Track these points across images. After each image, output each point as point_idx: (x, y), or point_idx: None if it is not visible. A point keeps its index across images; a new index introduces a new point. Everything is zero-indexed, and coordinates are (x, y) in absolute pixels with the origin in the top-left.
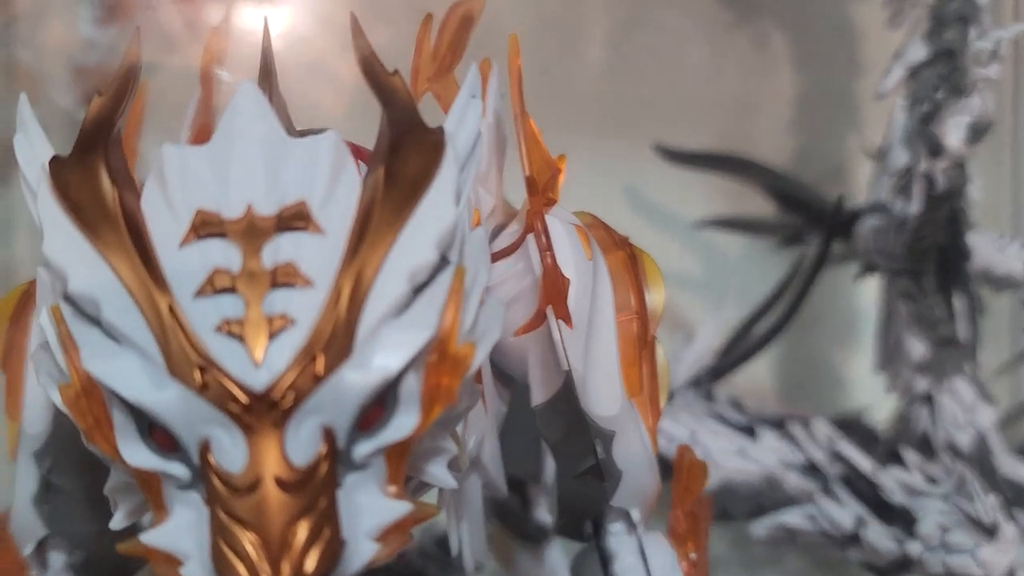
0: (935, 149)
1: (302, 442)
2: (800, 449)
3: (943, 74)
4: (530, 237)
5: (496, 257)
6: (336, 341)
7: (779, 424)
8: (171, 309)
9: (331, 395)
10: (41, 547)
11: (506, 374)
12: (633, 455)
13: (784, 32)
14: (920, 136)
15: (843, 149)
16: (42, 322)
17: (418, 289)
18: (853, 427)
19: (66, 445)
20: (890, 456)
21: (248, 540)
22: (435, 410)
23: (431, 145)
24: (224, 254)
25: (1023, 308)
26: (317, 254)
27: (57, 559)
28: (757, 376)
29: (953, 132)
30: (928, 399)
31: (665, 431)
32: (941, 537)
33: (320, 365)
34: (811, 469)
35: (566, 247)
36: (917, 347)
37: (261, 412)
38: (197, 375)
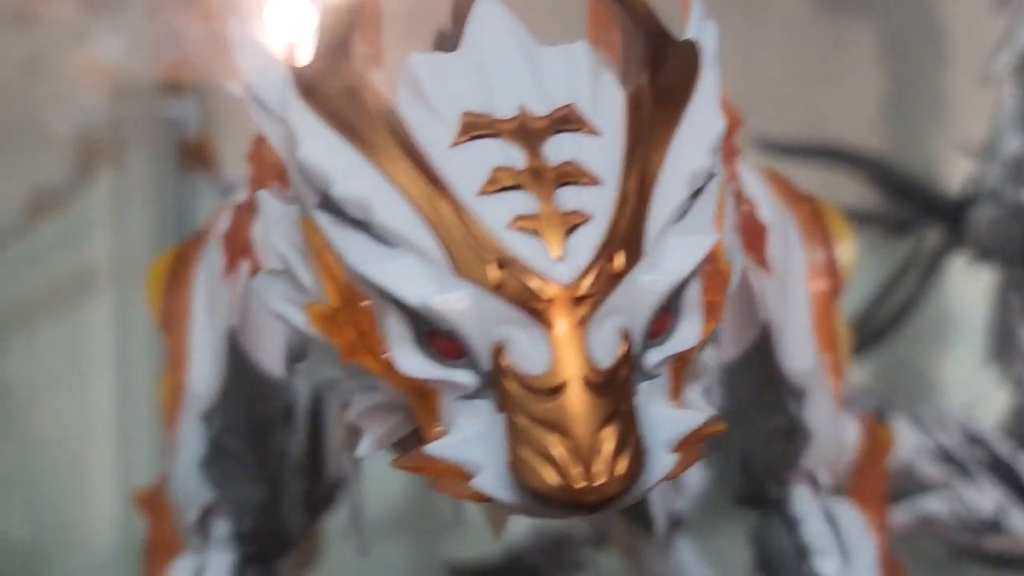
0: None
1: (603, 343)
2: (930, 435)
3: None
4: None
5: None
6: (631, 239)
7: (910, 410)
8: (455, 207)
9: (627, 295)
10: (204, 515)
11: None
12: (823, 414)
13: (871, 26)
14: None
15: (932, 144)
16: (274, 244)
17: (694, 195)
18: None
19: (240, 404)
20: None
21: (554, 444)
22: (710, 325)
23: (688, 54)
24: (503, 153)
25: None
26: (598, 153)
27: (221, 527)
28: (858, 373)
29: None
30: None
31: None
32: None
33: (619, 262)
34: (944, 455)
35: (762, 196)
36: None
37: (565, 308)
38: (493, 272)
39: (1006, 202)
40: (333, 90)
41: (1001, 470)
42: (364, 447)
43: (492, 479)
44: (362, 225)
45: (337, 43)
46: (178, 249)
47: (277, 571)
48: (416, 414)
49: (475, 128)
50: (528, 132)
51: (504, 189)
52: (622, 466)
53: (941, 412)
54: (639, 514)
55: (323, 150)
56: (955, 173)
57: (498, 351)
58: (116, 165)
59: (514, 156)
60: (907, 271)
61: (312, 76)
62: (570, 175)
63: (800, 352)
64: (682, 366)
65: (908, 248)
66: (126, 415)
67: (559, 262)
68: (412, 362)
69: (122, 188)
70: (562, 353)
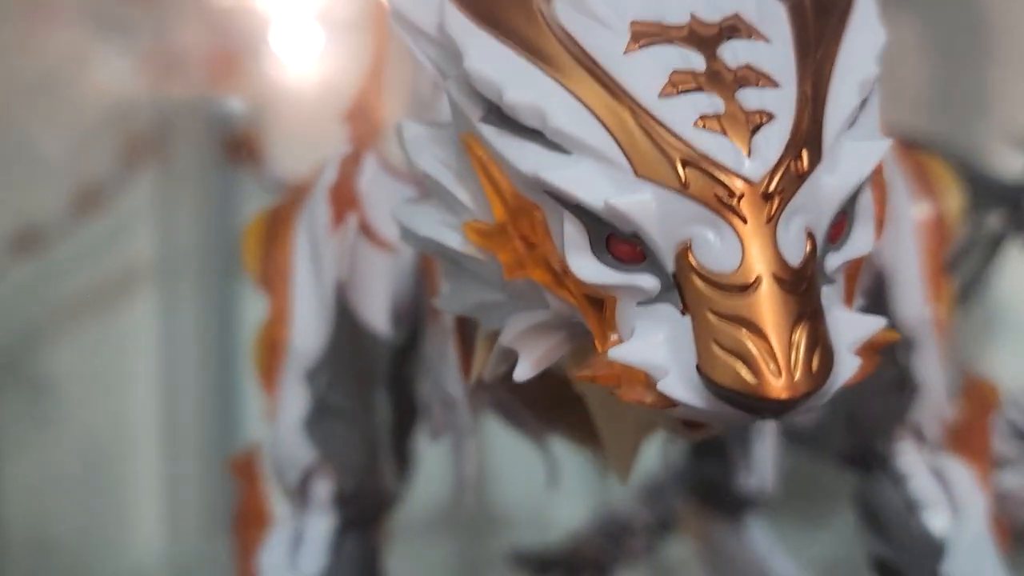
0: None
1: (792, 240)
2: (1002, 412)
3: None
4: None
5: None
6: (812, 141)
7: None
8: (634, 111)
9: (812, 195)
10: (305, 477)
11: None
12: (932, 367)
13: (917, 20)
14: None
15: (977, 137)
16: (422, 168)
17: (862, 104)
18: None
19: (344, 360)
20: None
21: (749, 340)
22: (879, 234)
23: None
24: (681, 57)
25: None
26: (772, 58)
27: (323, 489)
28: None
29: None
30: None
31: None
32: None
33: (805, 161)
34: (1016, 431)
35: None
36: None
37: (755, 205)
38: (680, 170)
39: None
40: (494, 3)
41: None
42: (522, 370)
43: (680, 382)
44: (535, 134)
45: None
46: (275, 207)
47: (376, 541)
48: (591, 324)
49: (647, 36)
50: (701, 38)
51: (685, 92)
52: (815, 365)
53: (1010, 390)
54: (712, 495)
55: (492, 59)
56: (1002, 166)
57: (684, 251)
58: (162, 161)
59: (692, 59)
60: (967, 255)
61: None
62: (748, 78)
63: (911, 301)
64: (854, 273)
65: (968, 232)
66: (171, 413)
67: (748, 159)
68: (591, 269)
69: (167, 185)
70: (753, 249)
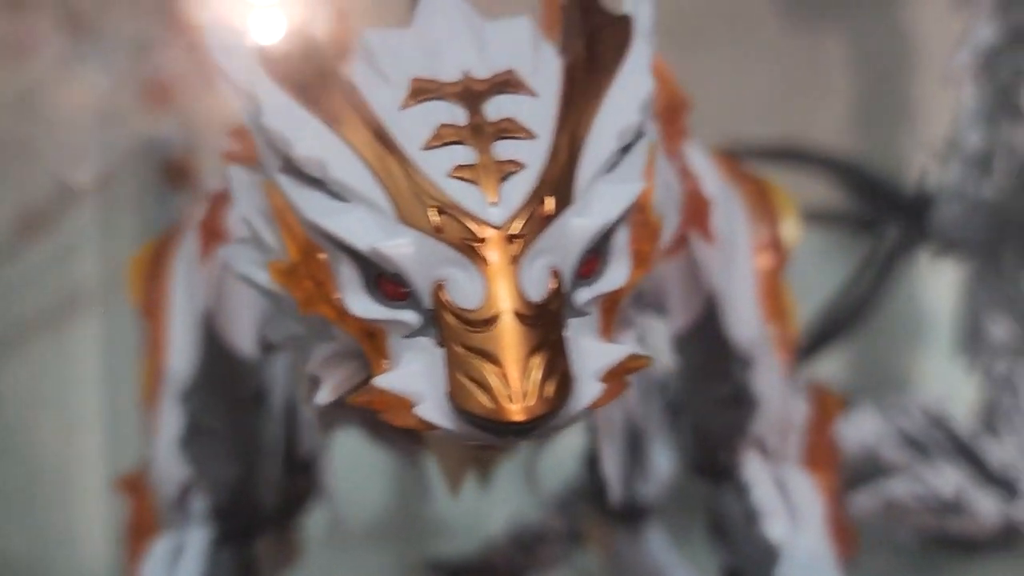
0: (1016, 118)
1: (535, 278)
2: (891, 420)
3: (1009, 43)
4: (663, 166)
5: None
6: (561, 187)
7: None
8: (400, 162)
9: (558, 236)
10: (182, 492)
11: (647, 304)
12: (770, 382)
13: (843, 32)
14: (1000, 108)
15: (902, 145)
16: (242, 212)
17: (623, 150)
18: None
19: (216, 383)
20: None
21: (488, 370)
22: (638, 271)
23: (622, 24)
24: (448, 112)
25: None
26: (534, 111)
27: (199, 504)
28: (833, 370)
29: None
30: (1010, 381)
31: None
32: None
33: (549, 205)
34: (908, 440)
35: (707, 171)
36: (997, 329)
37: (499, 247)
38: (433, 217)
39: (969, 198)
40: (294, 63)
41: (962, 452)
42: (322, 395)
43: (433, 407)
44: (319, 183)
45: (302, 22)
46: (158, 240)
47: (252, 553)
48: (367, 354)
49: (423, 92)
50: (471, 94)
51: (447, 144)
52: (550, 390)
53: (902, 398)
54: (611, 508)
55: (284, 116)
56: (922, 176)
57: (438, 289)
58: (103, 186)
59: (457, 114)
60: (868, 268)
61: (276, 52)
62: (507, 130)
63: (745, 322)
64: (611, 306)
65: (870, 245)
66: (114, 431)
67: (493, 206)
68: (362, 305)
69: (109, 209)
70: (495, 288)
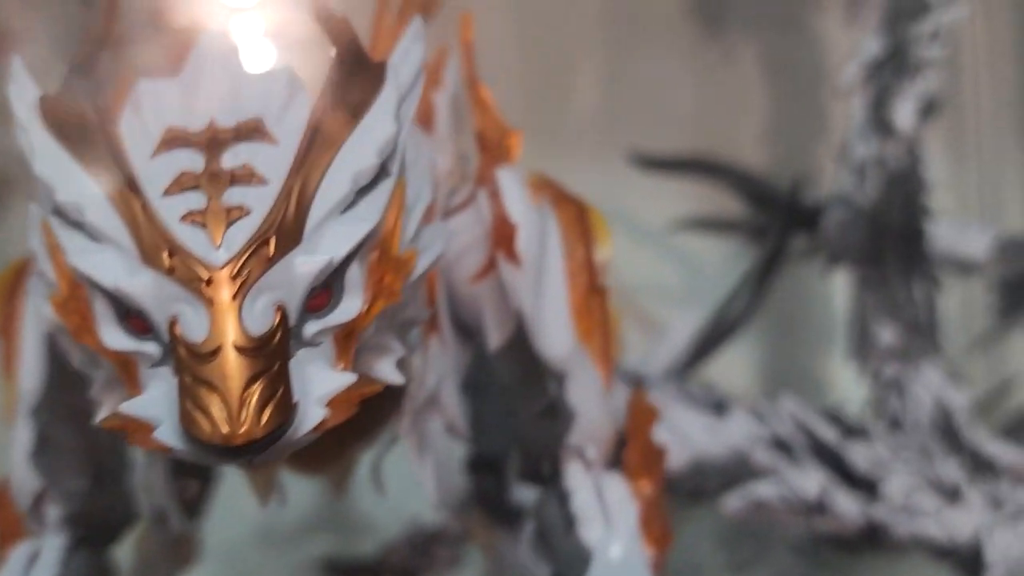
0: (886, 132)
1: (257, 315)
2: (766, 424)
3: (890, 57)
4: (482, 193)
5: (451, 212)
6: (287, 229)
7: (748, 402)
8: (143, 208)
9: (282, 275)
10: (38, 502)
11: (467, 327)
12: (586, 396)
13: (753, 41)
14: (871, 123)
15: (813, 153)
16: (34, 248)
17: (361, 191)
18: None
19: (62, 399)
20: (860, 434)
21: (211, 399)
22: (378, 303)
23: (374, 73)
24: (190, 160)
25: (988, 291)
26: (271, 158)
27: (53, 512)
28: (739, 375)
29: (902, 113)
30: (898, 384)
31: None
32: (905, 500)
33: (272, 247)
34: (778, 443)
35: (515, 196)
36: (885, 334)
37: (221, 287)
38: (165, 259)
39: (854, 206)
40: (67, 112)
41: (825, 454)
42: (101, 415)
43: (169, 431)
44: (79, 225)
45: (80, 70)
46: (19, 261)
47: (107, 558)
48: (124, 381)
49: (173, 141)
50: (214, 142)
51: (184, 190)
52: (267, 417)
53: (776, 401)
54: (491, 507)
55: (51, 163)
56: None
57: (173, 324)
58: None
59: (197, 162)
60: (755, 275)
61: (54, 100)
62: (241, 177)
63: (558, 339)
64: (347, 336)
65: (765, 252)
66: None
67: (218, 249)
68: (113, 337)
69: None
70: (218, 323)
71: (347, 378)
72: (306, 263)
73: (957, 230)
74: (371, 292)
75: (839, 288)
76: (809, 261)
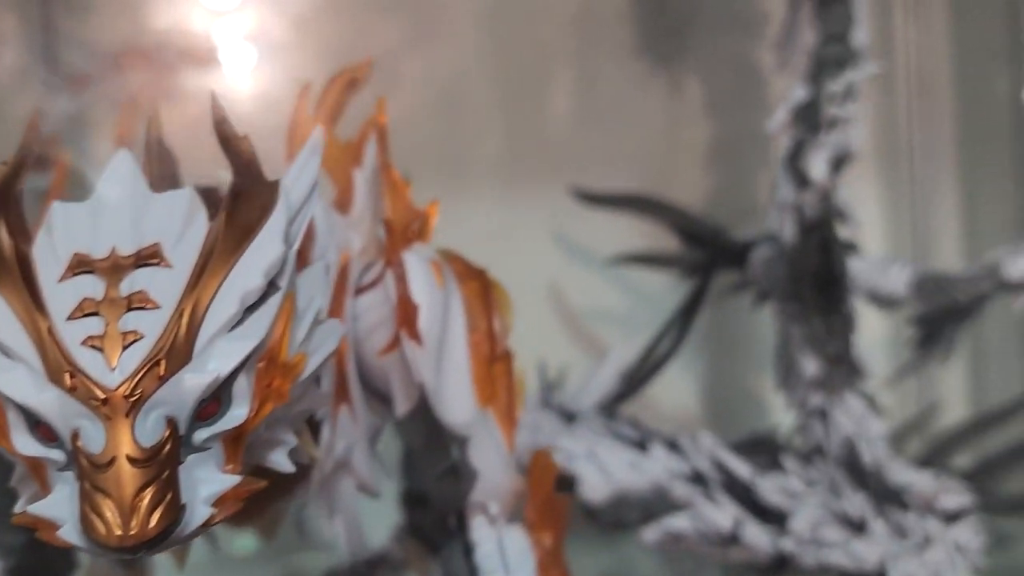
0: (802, 182)
1: (148, 429)
2: (687, 460)
3: (809, 108)
4: (390, 274)
5: (362, 289)
6: (177, 350)
7: (670, 438)
8: (49, 330)
9: (172, 392)
10: None
11: (380, 393)
12: (487, 457)
13: (697, 78)
14: (789, 171)
15: (755, 188)
16: None
17: (249, 308)
18: (766, 444)
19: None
20: (775, 468)
21: (106, 505)
22: (266, 407)
23: (266, 195)
24: (92, 286)
25: (907, 325)
26: (165, 284)
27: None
28: (684, 402)
29: (816, 166)
30: (822, 413)
31: (565, 448)
32: (812, 533)
33: (162, 369)
34: (696, 478)
35: (419, 278)
36: (809, 366)
37: (116, 405)
38: (67, 379)
39: (776, 245)
40: None
41: (738, 489)
42: (20, 505)
43: (71, 531)
44: None
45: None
46: None
47: None
48: (36, 482)
49: (79, 266)
50: (116, 268)
51: (86, 315)
52: (155, 520)
53: (696, 438)
54: (427, 541)
55: None
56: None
57: (75, 437)
58: None
59: (99, 289)
60: (682, 311)
61: None
62: (137, 303)
63: (458, 408)
64: (236, 439)
65: (691, 290)
66: None
67: (113, 371)
68: (25, 444)
69: None
70: (113, 437)
71: (232, 480)
72: (194, 379)
73: (880, 268)
74: (259, 398)
75: (769, 321)
76: (745, 294)
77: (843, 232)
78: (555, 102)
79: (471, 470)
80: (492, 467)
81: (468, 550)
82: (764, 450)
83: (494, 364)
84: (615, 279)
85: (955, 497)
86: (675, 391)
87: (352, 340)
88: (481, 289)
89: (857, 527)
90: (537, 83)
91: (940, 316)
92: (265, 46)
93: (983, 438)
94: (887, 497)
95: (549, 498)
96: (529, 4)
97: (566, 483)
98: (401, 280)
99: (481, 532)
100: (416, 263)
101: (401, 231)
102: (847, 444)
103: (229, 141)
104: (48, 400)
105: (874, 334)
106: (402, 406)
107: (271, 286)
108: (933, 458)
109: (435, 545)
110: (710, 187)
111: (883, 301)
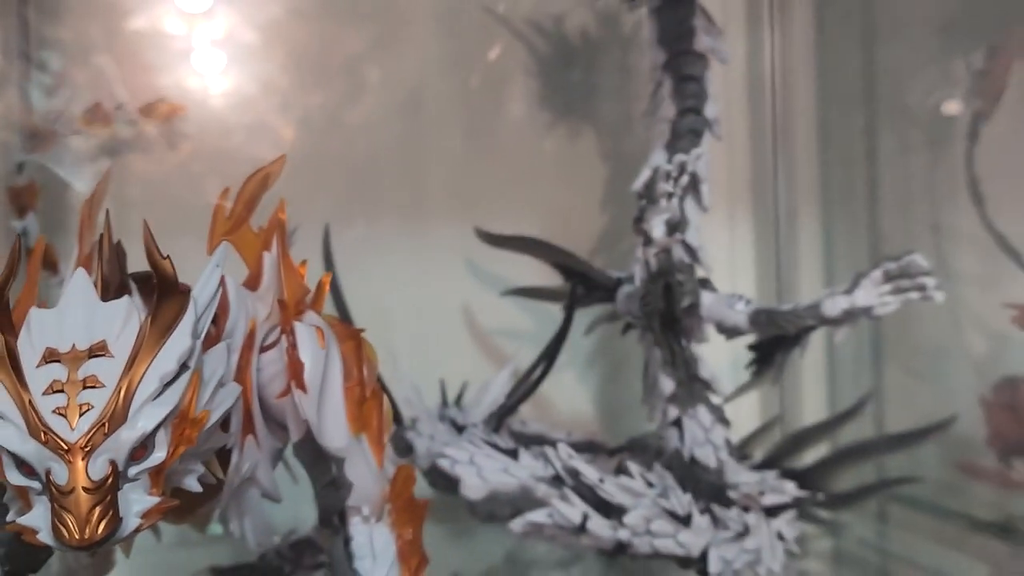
0: (647, 240)
1: (97, 468)
2: (548, 466)
3: (650, 183)
4: (284, 338)
5: (265, 348)
6: (116, 415)
7: (538, 444)
8: (30, 402)
9: (113, 444)
10: None
11: (280, 423)
12: (360, 472)
13: (595, 123)
14: (636, 230)
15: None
16: None
17: (168, 384)
18: (641, 447)
19: None
20: (621, 472)
21: (68, 519)
22: (180, 449)
23: (180, 301)
24: (60, 372)
25: (748, 350)
26: (109, 369)
27: None
28: (580, 408)
29: (656, 228)
30: (678, 423)
31: (451, 455)
32: (646, 525)
33: (106, 428)
34: (555, 480)
35: (305, 342)
36: (667, 384)
37: (75, 453)
38: (42, 436)
39: (634, 283)
40: None
41: (586, 491)
42: (10, 516)
43: (46, 535)
44: None
45: None
46: None
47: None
48: (20, 501)
49: (50, 357)
50: (76, 359)
51: (55, 392)
52: (102, 528)
53: (558, 449)
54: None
55: None
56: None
57: (48, 473)
58: None
59: (64, 374)
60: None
61: None
62: (90, 383)
63: (335, 435)
64: (158, 472)
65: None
66: None
67: (72, 431)
68: (13, 476)
69: None
70: (73, 475)
71: (154, 500)
72: (128, 434)
73: (726, 302)
74: (175, 444)
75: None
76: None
77: (700, 271)
78: (467, 145)
79: (347, 482)
80: (363, 479)
81: (347, 541)
82: (639, 452)
83: (365, 403)
84: (519, 302)
85: (776, 496)
86: (572, 399)
87: (256, 385)
88: (355, 347)
89: (684, 521)
90: (451, 137)
91: (770, 347)
92: (234, 50)
93: (818, 445)
94: (719, 496)
95: (409, 502)
96: (458, 53)
97: (452, 484)
98: (292, 344)
99: (356, 528)
100: (303, 331)
101: (294, 306)
102: (693, 447)
103: (155, 261)
104: (29, 449)
105: (722, 357)
106: (295, 435)
107: (183, 367)
108: (774, 461)
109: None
110: (601, 230)
111: (728, 331)
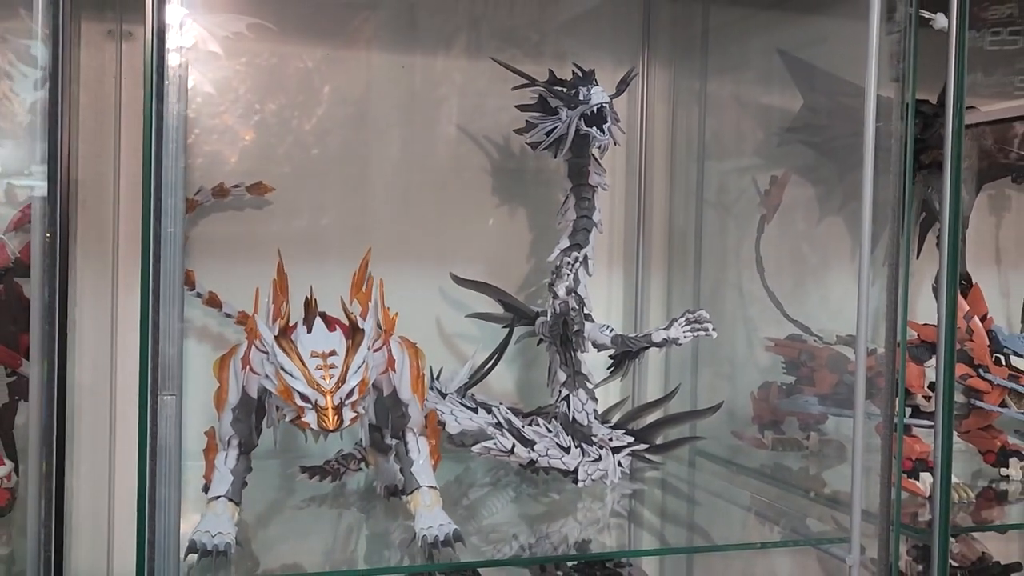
0: (555, 295)
1: (335, 400)
2: (495, 416)
3: (556, 263)
4: (384, 346)
5: (376, 350)
6: (341, 379)
7: (488, 407)
8: (305, 369)
9: (342, 390)
10: None
11: (376, 388)
12: (414, 410)
13: (525, 211)
14: (548, 289)
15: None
16: None
17: (358, 368)
18: (544, 412)
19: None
20: (535, 423)
21: (323, 419)
22: (360, 392)
23: (360, 332)
24: (319, 360)
25: (609, 358)
26: (336, 361)
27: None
28: (507, 388)
29: (560, 289)
30: (567, 399)
31: (440, 410)
32: (546, 452)
33: (338, 384)
34: (497, 425)
35: (395, 347)
36: (562, 375)
37: (327, 394)
38: (315, 385)
39: (550, 315)
40: None
41: (514, 430)
42: (288, 418)
43: (314, 425)
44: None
45: None
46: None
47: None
48: (297, 411)
49: (312, 354)
50: (323, 355)
51: (317, 369)
52: (336, 422)
53: (500, 406)
54: (379, 447)
55: None
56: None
57: (316, 401)
58: None
59: (320, 360)
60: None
61: None
62: (331, 364)
63: (405, 392)
64: (354, 403)
65: (504, 337)
66: None
67: (327, 382)
68: (298, 399)
69: None
70: (327, 401)
71: (352, 414)
72: (345, 387)
73: (599, 329)
74: (360, 390)
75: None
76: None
77: (586, 310)
78: (443, 216)
79: (408, 415)
80: (416, 414)
81: (405, 445)
82: (543, 415)
83: (418, 378)
84: (475, 321)
85: (618, 442)
86: (505, 382)
87: (371, 367)
88: (414, 352)
89: (566, 451)
90: (429, 202)
91: (622, 356)
92: (199, 60)
93: (651, 415)
94: (587, 440)
95: (433, 427)
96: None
97: (441, 424)
98: (388, 349)
99: (410, 438)
100: (393, 342)
101: (387, 331)
102: (575, 412)
103: (347, 314)
104: (308, 391)
105: (596, 361)
106: (386, 390)
107: (363, 362)
108: (623, 424)
109: (385, 448)
110: (528, 275)
111: (599, 346)
